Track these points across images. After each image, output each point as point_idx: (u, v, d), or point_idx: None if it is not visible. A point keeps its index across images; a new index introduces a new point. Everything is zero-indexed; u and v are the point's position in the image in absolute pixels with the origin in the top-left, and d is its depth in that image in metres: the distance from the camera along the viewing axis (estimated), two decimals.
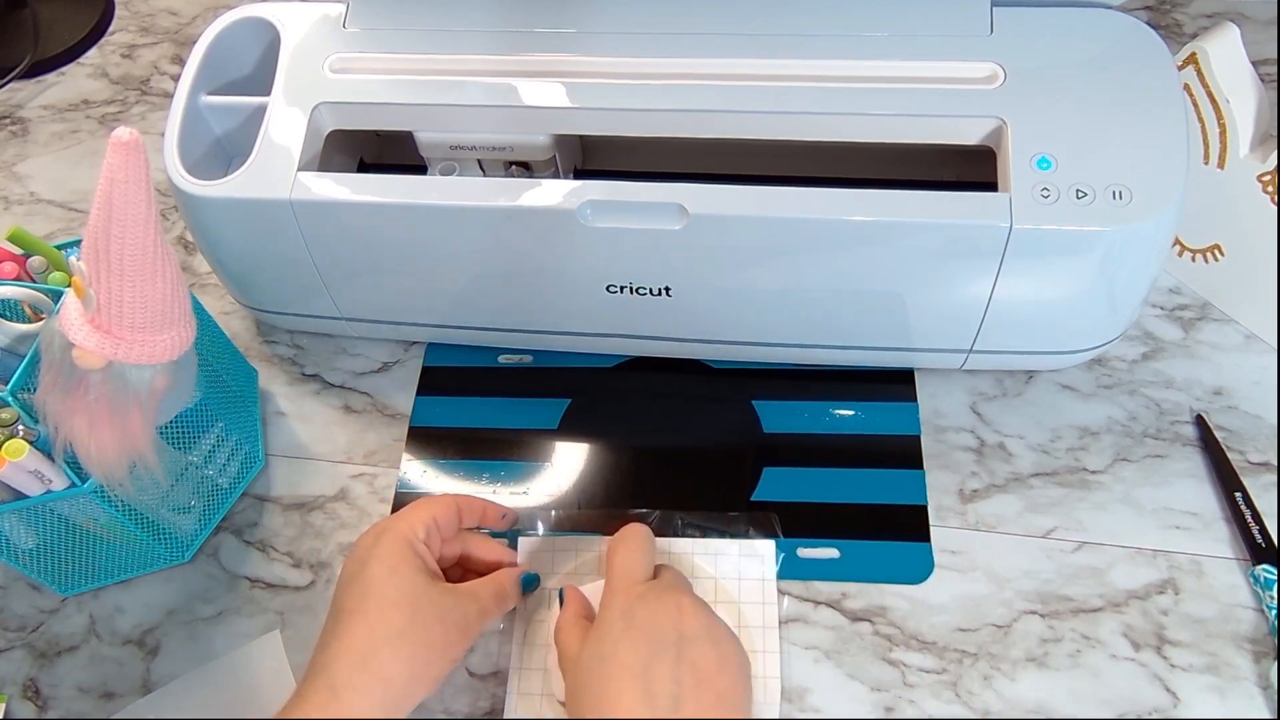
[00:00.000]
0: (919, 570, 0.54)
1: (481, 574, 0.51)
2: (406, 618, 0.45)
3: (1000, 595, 0.53)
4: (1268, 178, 0.56)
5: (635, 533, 0.50)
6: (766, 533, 0.55)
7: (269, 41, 0.58)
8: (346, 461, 0.61)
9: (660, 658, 0.43)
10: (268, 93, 0.56)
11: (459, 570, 0.53)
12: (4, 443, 0.46)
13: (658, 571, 0.49)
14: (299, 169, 0.53)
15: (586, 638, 0.46)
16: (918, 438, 0.58)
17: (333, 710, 0.43)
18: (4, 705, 0.54)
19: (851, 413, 0.60)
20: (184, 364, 0.47)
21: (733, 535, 0.55)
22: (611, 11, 0.55)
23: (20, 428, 0.48)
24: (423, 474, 0.60)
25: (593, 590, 0.51)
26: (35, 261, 0.54)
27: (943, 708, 0.50)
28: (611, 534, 0.51)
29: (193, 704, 0.53)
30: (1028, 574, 0.54)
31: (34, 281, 0.54)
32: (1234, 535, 0.54)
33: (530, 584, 0.53)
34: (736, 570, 0.53)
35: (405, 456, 0.60)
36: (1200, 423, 0.58)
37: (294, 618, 0.56)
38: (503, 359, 0.64)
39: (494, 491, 0.59)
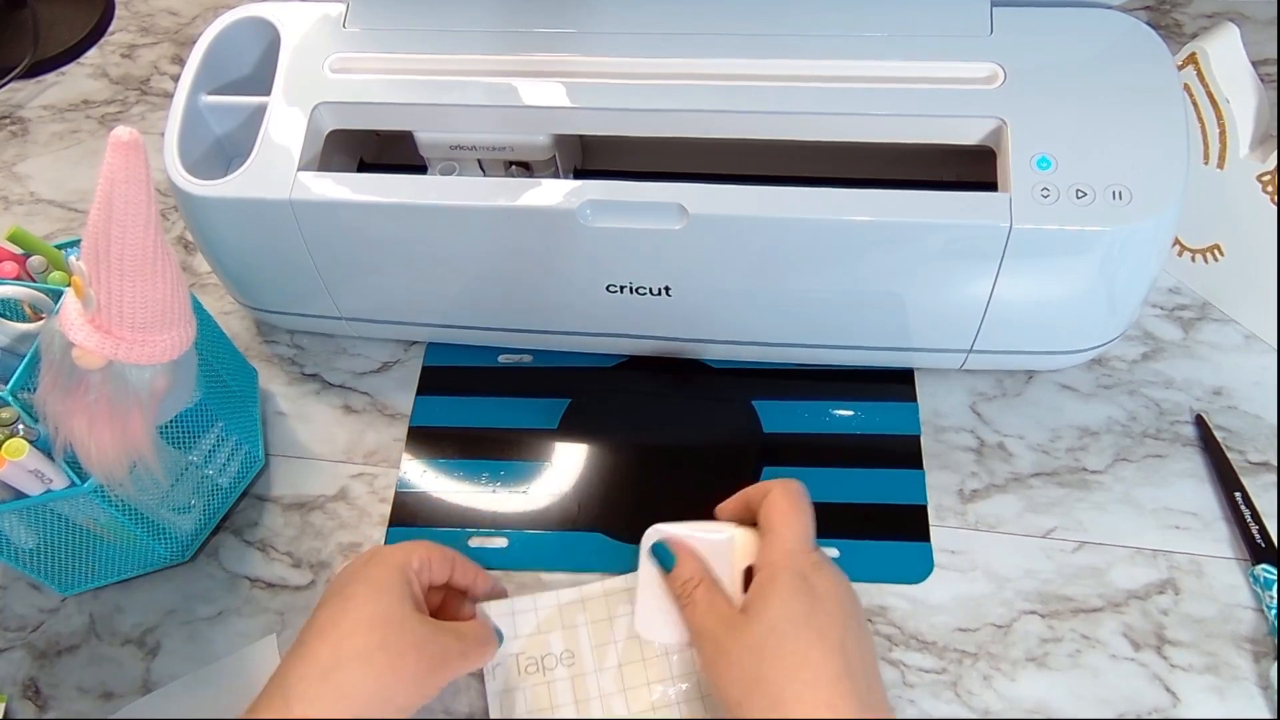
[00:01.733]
0: (919, 570, 0.54)
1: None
2: (378, 639, 0.44)
3: (1000, 595, 0.53)
4: (1268, 178, 0.56)
5: (799, 491, 0.47)
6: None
7: (269, 41, 0.58)
8: (346, 461, 0.61)
9: (851, 634, 0.42)
10: (268, 93, 0.56)
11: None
12: (4, 442, 0.46)
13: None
14: (299, 169, 0.53)
15: (762, 597, 0.43)
16: (917, 438, 0.58)
17: (280, 712, 0.41)
18: (4, 705, 0.54)
19: (851, 413, 0.60)
20: (184, 364, 0.47)
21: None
22: (611, 11, 0.55)
23: (20, 427, 0.48)
24: (423, 474, 0.60)
25: (699, 529, 0.48)
26: (35, 261, 0.54)
27: (943, 708, 0.50)
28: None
29: (187, 708, 0.53)
30: (1028, 574, 0.54)
31: (34, 281, 0.54)
32: (1234, 535, 0.54)
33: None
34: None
35: (405, 456, 0.60)
36: (1200, 423, 0.58)
37: (294, 618, 0.56)
38: (503, 359, 0.64)
39: (494, 491, 0.59)
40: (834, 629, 0.42)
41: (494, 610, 0.52)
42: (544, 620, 0.52)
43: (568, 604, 0.53)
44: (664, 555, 0.48)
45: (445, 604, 0.51)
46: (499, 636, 0.51)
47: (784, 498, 0.47)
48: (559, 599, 0.53)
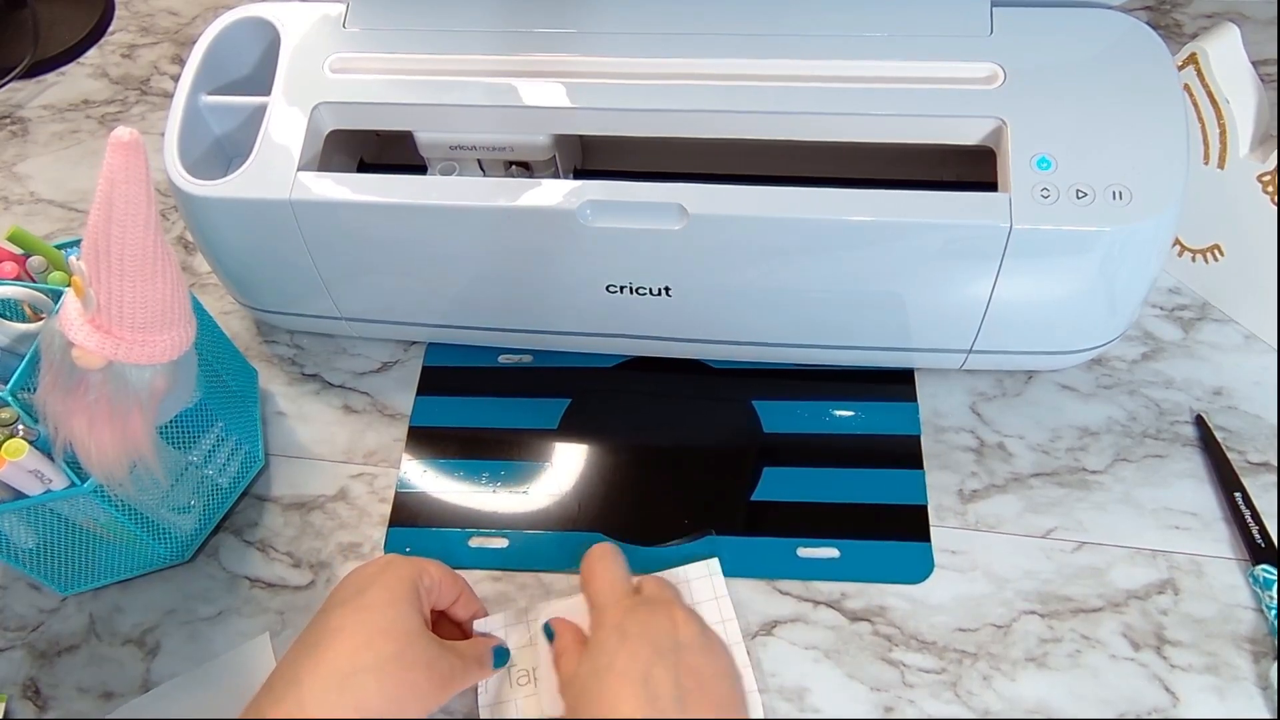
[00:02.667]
0: (919, 570, 0.54)
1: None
2: (395, 651, 0.44)
3: (1000, 595, 0.53)
4: (1268, 178, 0.56)
5: (605, 551, 0.50)
6: (705, 550, 0.55)
7: (269, 41, 0.58)
8: (346, 461, 0.61)
9: (660, 664, 0.43)
10: (268, 93, 0.56)
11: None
12: (4, 443, 0.46)
13: (640, 585, 0.49)
14: (299, 169, 0.53)
15: (584, 652, 0.46)
16: (917, 438, 0.58)
17: (294, 713, 0.41)
18: (4, 705, 0.54)
19: (851, 413, 0.60)
20: (184, 364, 0.47)
21: (674, 557, 0.54)
22: (611, 11, 0.55)
23: (20, 428, 0.48)
24: (423, 474, 0.60)
25: (571, 607, 0.50)
26: (35, 261, 0.54)
27: (943, 708, 0.50)
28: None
29: (182, 707, 0.53)
30: (1028, 574, 0.54)
31: (34, 281, 0.54)
32: (1234, 535, 0.54)
33: (501, 659, 0.51)
34: (689, 595, 0.52)
35: (405, 456, 0.60)
36: (1200, 423, 0.58)
37: (294, 617, 0.56)
38: (503, 359, 0.64)
39: (494, 491, 0.59)
40: (636, 666, 0.43)
41: (486, 624, 0.52)
42: (536, 631, 0.52)
43: (558, 615, 0.53)
44: (548, 633, 0.50)
45: (435, 622, 0.51)
46: (506, 654, 0.51)
47: (587, 563, 0.50)
48: (549, 610, 0.53)
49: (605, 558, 0.49)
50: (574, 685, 0.45)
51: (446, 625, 0.52)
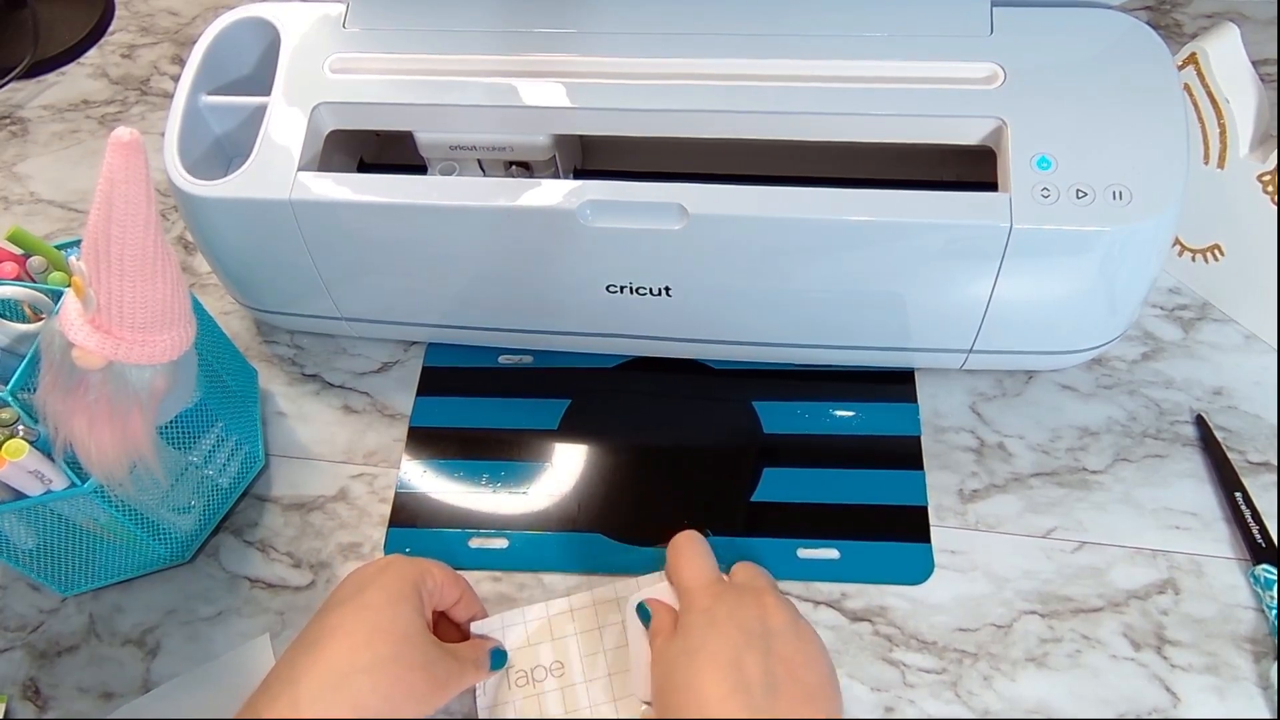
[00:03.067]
0: (919, 571, 0.54)
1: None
2: (394, 651, 0.44)
3: (1000, 595, 0.53)
4: (1268, 178, 0.56)
5: (689, 539, 0.49)
6: None
7: (269, 41, 0.58)
8: (346, 461, 0.61)
9: (750, 649, 0.43)
10: (268, 93, 0.56)
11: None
12: (4, 443, 0.46)
13: (733, 572, 0.49)
14: (299, 169, 0.53)
15: (675, 633, 0.45)
16: (918, 438, 0.58)
17: (290, 713, 0.41)
18: (4, 705, 0.54)
19: (851, 413, 0.60)
20: (184, 364, 0.47)
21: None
22: (611, 11, 0.55)
23: (20, 428, 0.47)
24: (423, 474, 0.60)
25: (663, 592, 0.49)
26: (35, 261, 0.54)
27: (943, 708, 0.50)
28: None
29: (182, 707, 0.53)
30: (1028, 574, 0.54)
31: (34, 281, 0.54)
32: (1234, 535, 0.54)
33: (498, 661, 0.51)
34: None
35: (405, 456, 0.60)
36: (1200, 423, 0.58)
37: (294, 618, 0.56)
38: (503, 359, 0.64)
39: (494, 492, 0.59)
40: (726, 650, 0.43)
41: (484, 626, 0.52)
42: (533, 632, 0.52)
43: (557, 615, 0.53)
44: (643, 613, 0.49)
45: (435, 623, 0.51)
46: (503, 656, 0.51)
47: (672, 553, 0.49)
48: (548, 610, 0.53)
49: (690, 545, 0.49)
50: (662, 664, 0.45)
51: (446, 626, 0.52)
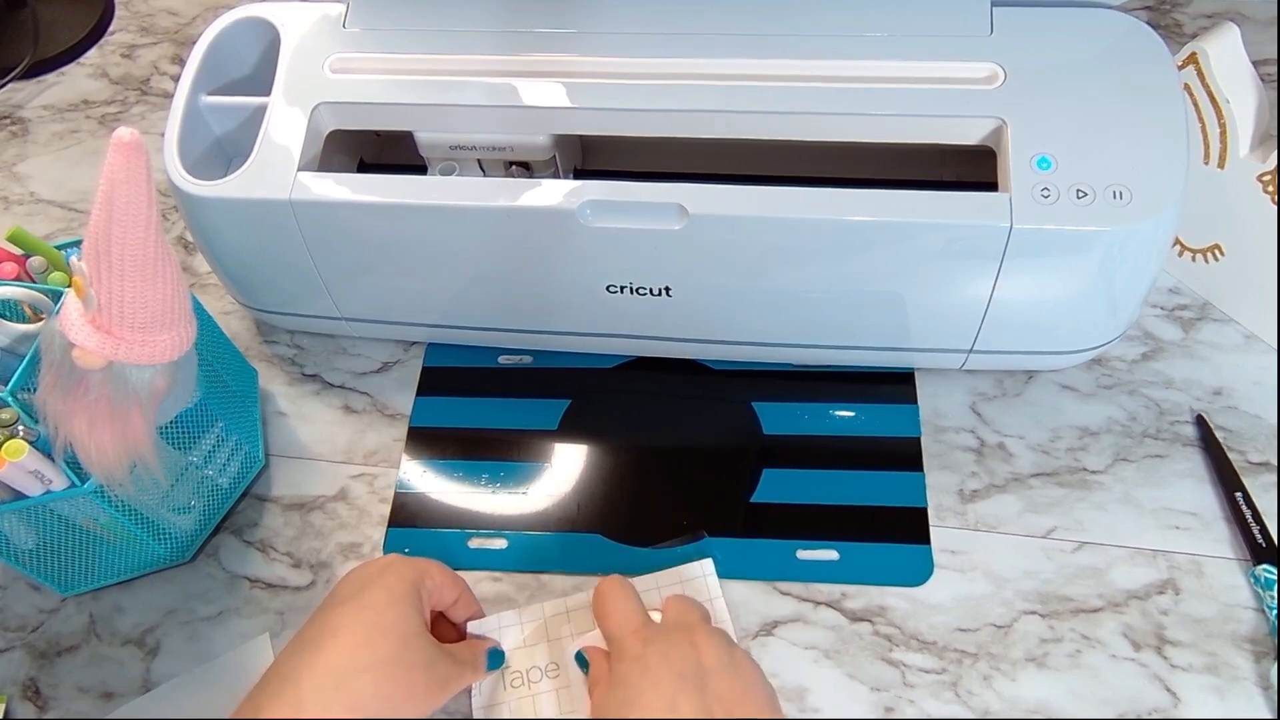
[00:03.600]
0: (918, 573, 0.54)
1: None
2: (395, 651, 0.44)
3: (1000, 595, 0.53)
4: (1268, 178, 0.56)
5: (612, 584, 0.49)
6: (700, 547, 0.54)
7: (269, 41, 0.58)
8: (346, 461, 0.61)
9: (684, 693, 0.42)
10: (268, 93, 0.56)
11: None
12: (4, 443, 0.46)
13: (665, 608, 0.48)
14: (299, 169, 0.53)
15: (606, 684, 0.45)
16: (918, 439, 0.58)
17: (291, 712, 0.41)
18: (4, 705, 0.54)
19: (851, 414, 0.59)
20: (184, 364, 0.47)
21: (672, 559, 0.54)
22: (611, 11, 0.55)
23: (20, 428, 0.47)
24: (422, 474, 0.60)
25: (597, 638, 0.49)
26: (35, 261, 0.54)
27: (943, 708, 0.50)
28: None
29: (182, 707, 0.53)
30: (1028, 574, 0.54)
31: (34, 281, 0.54)
32: (1234, 535, 0.54)
33: (495, 661, 0.51)
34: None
35: (405, 457, 0.60)
36: (1200, 423, 0.58)
37: (294, 618, 0.56)
38: (503, 359, 0.64)
39: (493, 492, 0.59)
40: (661, 699, 0.42)
41: (480, 626, 0.52)
42: (529, 633, 0.52)
43: (552, 616, 0.53)
44: (582, 662, 0.49)
45: (433, 622, 0.50)
46: (501, 656, 0.51)
47: (597, 601, 0.49)
48: (544, 611, 0.53)
49: (614, 591, 0.48)
50: (601, 715, 0.45)
51: (443, 626, 0.52)
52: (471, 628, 0.52)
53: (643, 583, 0.53)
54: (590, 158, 0.63)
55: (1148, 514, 0.55)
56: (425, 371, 0.64)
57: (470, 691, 0.51)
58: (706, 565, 0.53)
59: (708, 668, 0.43)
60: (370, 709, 0.43)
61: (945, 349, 0.57)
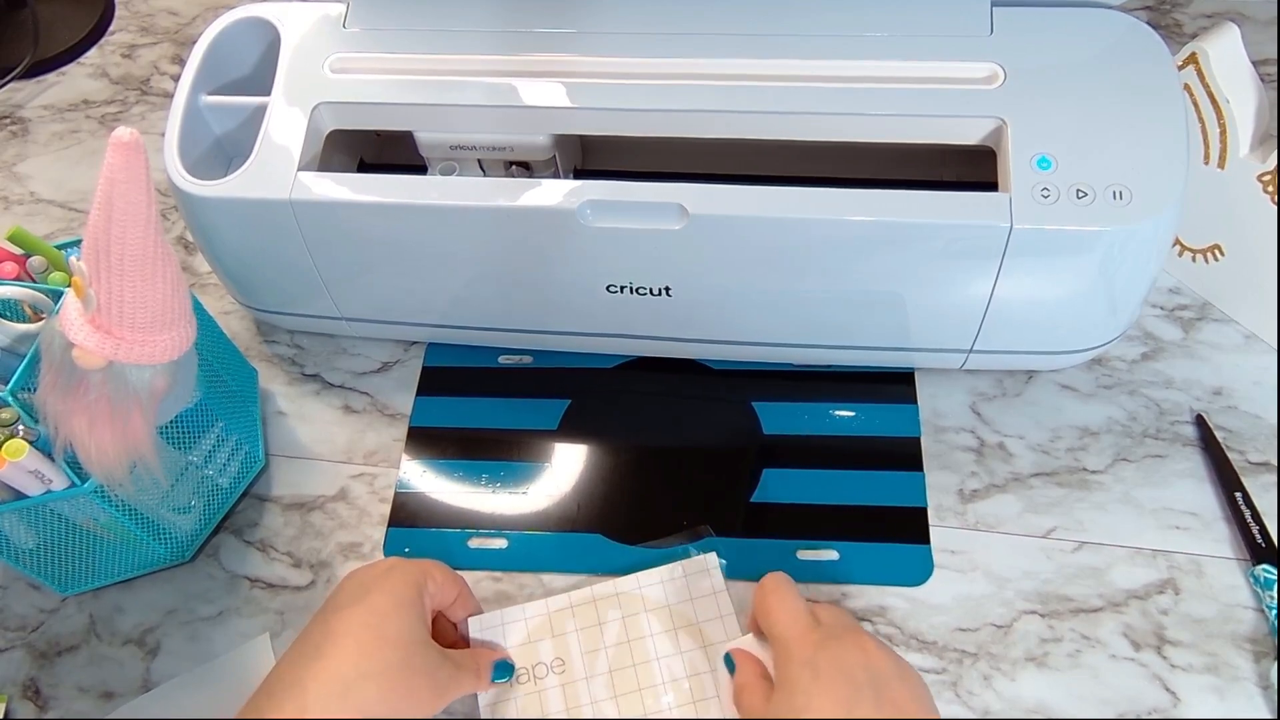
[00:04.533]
0: (918, 573, 0.54)
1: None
2: (400, 658, 0.44)
3: (1000, 595, 0.53)
4: (1268, 178, 0.56)
5: (780, 581, 0.48)
6: (703, 545, 0.54)
7: (269, 41, 0.58)
8: (346, 461, 0.61)
9: (859, 701, 0.41)
10: (268, 93, 0.56)
11: None
12: (4, 443, 0.46)
13: (815, 613, 0.47)
14: (299, 169, 0.53)
15: (771, 698, 0.44)
16: (918, 439, 0.58)
17: (296, 715, 0.41)
18: (4, 705, 0.54)
19: (851, 414, 0.59)
20: (184, 364, 0.47)
21: (674, 557, 0.54)
22: (611, 11, 0.55)
23: (20, 428, 0.47)
24: (422, 474, 0.60)
25: (749, 644, 0.49)
26: (35, 261, 0.54)
27: (943, 708, 0.50)
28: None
29: (182, 707, 0.53)
30: (1028, 574, 0.54)
31: (34, 281, 0.54)
32: (1234, 535, 0.54)
33: (503, 673, 0.50)
34: (687, 591, 0.53)
35: (405, 456, 0.60)
36: (1200, 423, 0.58)
37: (294, 618, 0.56)
38: (503, 359, 0.64)
39: (493, 492, 0.59)
40: (836, 703, 0.41)
41: (484, 622, 0.52)
42: (534, 629, 0.52)
43: (557, 611, 0.53)
44: (729, 663, 0.49)
45: (433, 621, 0.50)
46: (509, 669, 0.51)
47: (764, 595, 0.47)
48: (548, 607, 0.53)
49: (780, 588, 0.47)
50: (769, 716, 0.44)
51: (442, 624, 0.52)
52: (474, 624, 0.52)
53: (649, 577, 0.53)
54: (590, 158, 0.63)
55: (1148, 514, 0.55)
56: (425, 371, 0.64)
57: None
58: (710, 559, 0.53)
59: (881, 673, 0.43)
60: (375, 715, 0.43)
61: (945, 349, 0.57)
